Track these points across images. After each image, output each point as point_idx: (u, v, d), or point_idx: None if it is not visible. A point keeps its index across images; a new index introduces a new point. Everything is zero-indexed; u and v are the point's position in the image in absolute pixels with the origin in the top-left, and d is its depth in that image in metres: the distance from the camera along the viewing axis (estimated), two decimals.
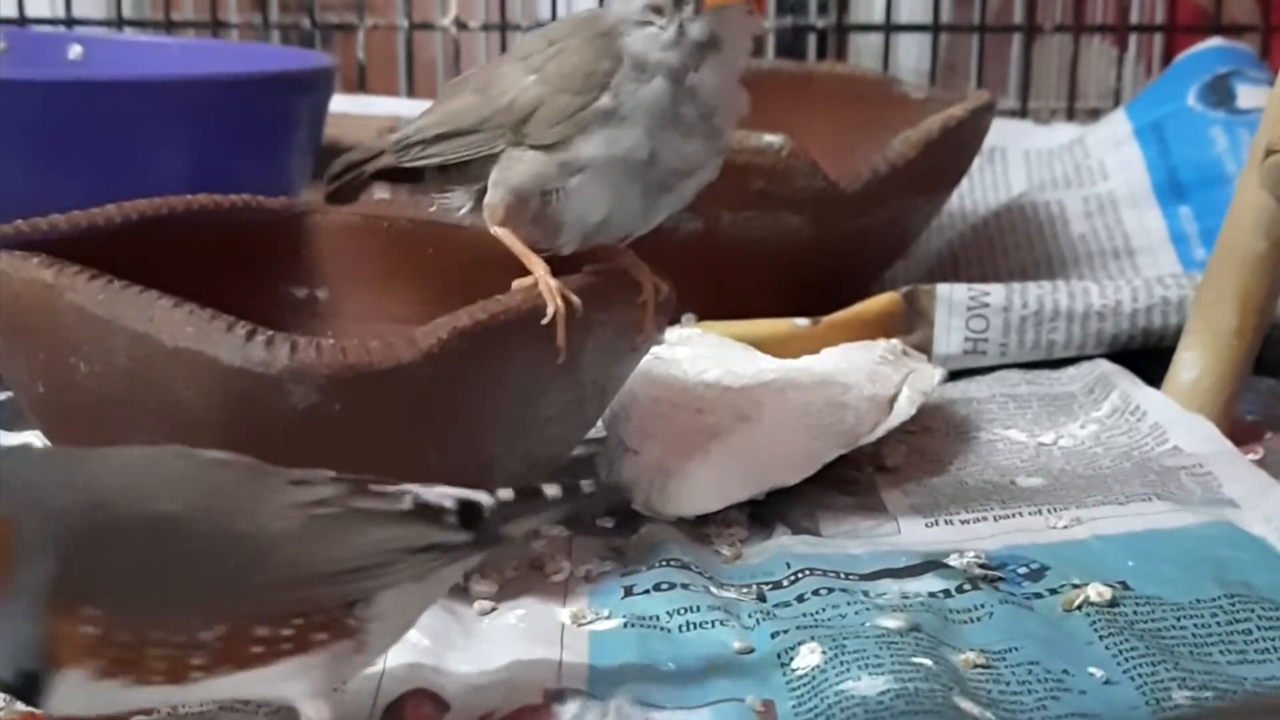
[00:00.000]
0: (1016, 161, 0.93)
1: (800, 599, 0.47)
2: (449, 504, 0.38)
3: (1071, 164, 0.89)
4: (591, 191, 0.48)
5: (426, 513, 0.38)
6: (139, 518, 0.35)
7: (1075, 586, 0.47)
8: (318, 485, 0.37)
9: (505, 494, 0.39)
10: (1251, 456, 0.59)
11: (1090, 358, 0.70)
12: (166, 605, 0.35)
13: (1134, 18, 1.08)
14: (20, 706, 0.38)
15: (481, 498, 0.38)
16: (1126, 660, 0.42)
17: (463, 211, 0.51)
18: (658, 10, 0.48)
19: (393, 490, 0.38)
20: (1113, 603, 0.46)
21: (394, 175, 0.53)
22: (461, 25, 1.06)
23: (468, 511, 0.38)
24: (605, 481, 0.41)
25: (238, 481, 0.37)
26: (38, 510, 0.34)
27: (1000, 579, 0.48)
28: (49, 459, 0.38)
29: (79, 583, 0.34)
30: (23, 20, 1.03)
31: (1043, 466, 0.58)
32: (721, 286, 0.71)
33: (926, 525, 0.53)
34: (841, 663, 0.42)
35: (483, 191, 0.50)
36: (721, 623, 0.45)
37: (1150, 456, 0.58)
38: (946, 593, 0.47)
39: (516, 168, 0.49)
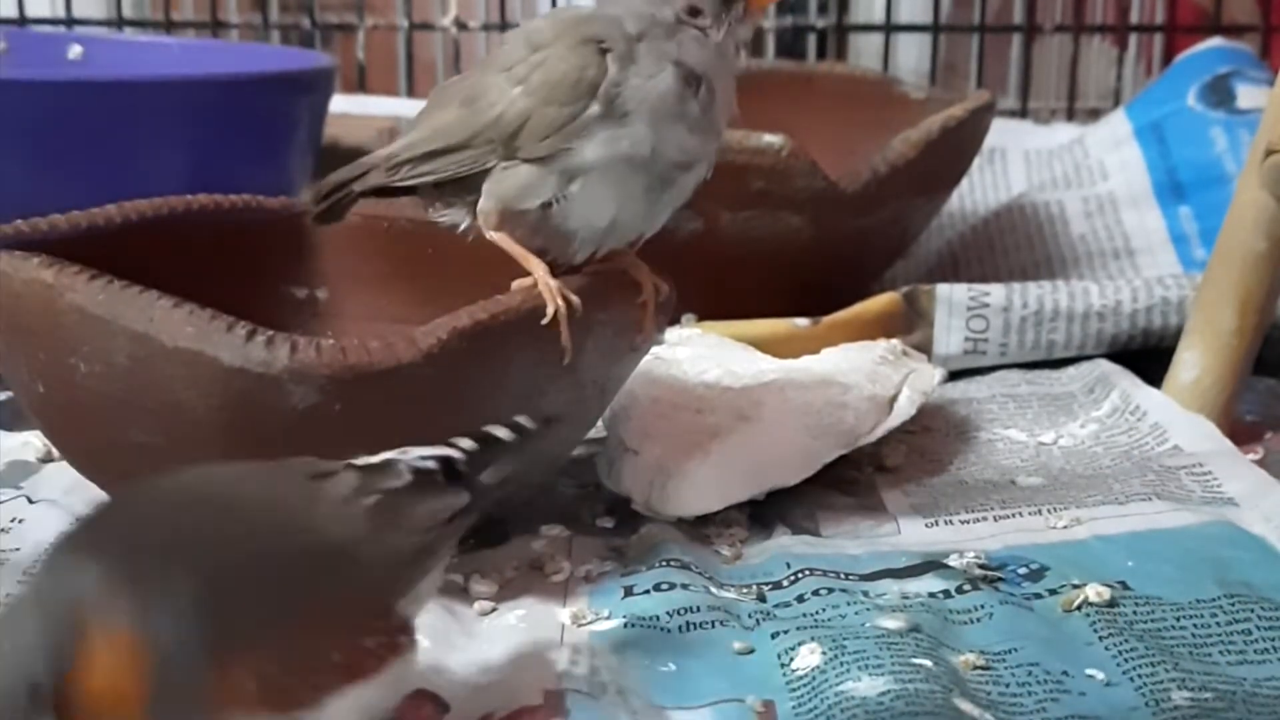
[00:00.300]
0: (1016, 162, 0.93)
1: (800, 599, 0.47)
2: (434, 465, 0.38)
3: (1071, 164, 0.89)
4: (595, 194, 0.48)
5: (426, 479, 0.38)
6: (246, 553, 0.34)
7: (1075, 587, 0.47)
8: (341, 474, 0.37)
9: (467, 444, 0.39)
10: (1251, 456, 0.59)
11: (1090, 358, 0.70)
12: (298, 631, 0.34)
13: (1134, 18, 1.08)
14: None
15: (451, 452, 0.39)
16: (1126, 661, 0.42)
17: (462, 227, 0.51)
18: (696, 12, 0.48)
19: (382, 462, 0.38)
20: (1112, 603, 0.46)
21: (384, 192, 0.52)
22: (461, 25, 1.06)
23: (446, 469, 0.38)
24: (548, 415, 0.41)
25: (290, 488, 0.36)
26: (151, 596, 0.32)
27: (1000, 579, 0.48)
28: (115, 524, 0.35)
29: (224, 639, 0.32)
30: (23, 20, 1.03)
31: (1043, 466, 0.58)
32: (721, 286, 0.71)
33: (926, 525, 0.53)
34: (841, 663, 0.42)
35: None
36: (721, 623, 0.45)
37: (1150, 456, 0.58)
38: (946, 593, 0.47)
39: (509, 181, 0.48)
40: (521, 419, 0.41)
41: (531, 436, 0.41)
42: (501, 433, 0.40)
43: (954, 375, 0.68)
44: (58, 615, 0.31)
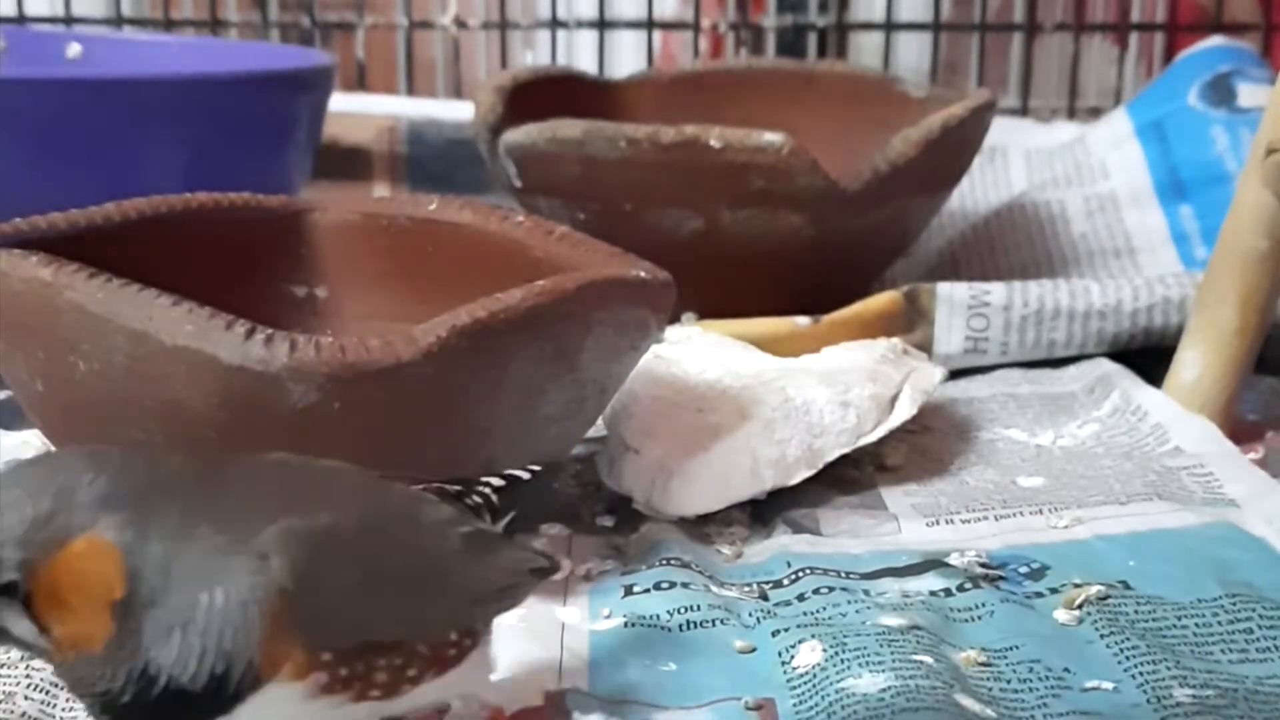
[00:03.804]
0: (1017, 160, 0.93)
1: (801, 598, 0.47)
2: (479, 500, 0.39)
3: (1072, 163, 0.89)
4: None
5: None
6: (348, 540, 0.34)
7: (1076, 586, 0.47)
8: (439, 502, 0.37)
9: (496, 481, 0.40)
10: (1252, 456, 0.59)
11: (1091, 357, 0.69)
12: (383, 624, 0.34)
13: (1135, 16, 1.08)
14: None
15: (488, 488, 0.39)
16: (1128, 659, 0.42)
17: None
18: None
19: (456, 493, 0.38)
20: (1114, 602, 0.46)
21: None
22: (461, 24, 1.06)
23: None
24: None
25: (397, 495, 0.37)
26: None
27: (1001, 578, 0.48)
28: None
29: (299, 611, 0.32)
30: (22, 19, 1.03)
31: (1043, 466, 0.58)
32: (722, 285, 0.71)
33: (927, 524, 0.53)
34: (842, 661, 0.42)
35: None
36: (722, 621, 0.45)
37: (1151, 456, 0.58)
38: (947, 591, 0.47)
39: None
40: (535, 466, 0.41)
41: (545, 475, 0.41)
42: (520, 473, 0.41)
43: (955, 374, 0.68)
44: (47, 506, 0.31)
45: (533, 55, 1.14)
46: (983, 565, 0.49)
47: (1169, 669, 0.41)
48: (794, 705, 0.40)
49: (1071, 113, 1.04)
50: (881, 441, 0.57)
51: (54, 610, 0.31)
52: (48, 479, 0.32)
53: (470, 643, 0.36)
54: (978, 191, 0.92)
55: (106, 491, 0.32)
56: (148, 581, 0.31)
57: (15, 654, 0.42)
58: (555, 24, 1.05)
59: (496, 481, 0.40)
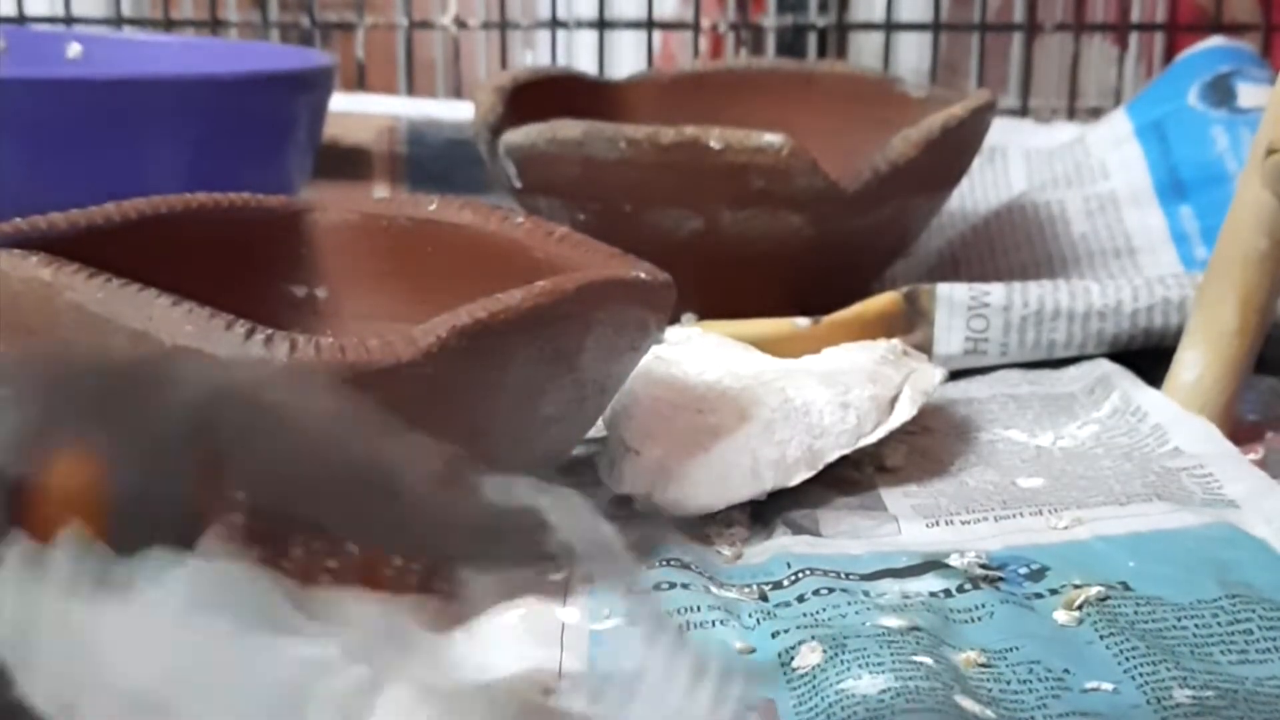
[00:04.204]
0: (1017, 161, 0.93)
1: (801, 599, 0.47)
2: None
3: (1072, 163, 0.89)
4: None
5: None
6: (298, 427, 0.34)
7: (1076, 587, 0.47)
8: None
9: None
10: (1252, 456, 0.59)
11: (1091, 357, 0.69)
12: (315, 506, 0.34)
13: (1135, 16, 1.08)
14: None
15: None
16: (1128, 660, 0.42)
17: None
18: None
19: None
20: (1114, 603, 0.46)
21: None
22: (461, 24, 1.06)
23: None
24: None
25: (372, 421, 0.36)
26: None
27: (1001, 579, 0.48)
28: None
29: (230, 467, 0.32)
30: (22, 19, 1.03)
31: (1043, 467, 0.58)
32: (721, 286, 0.71)
33: (927, 525, 0.53)
34: (842, 662, 0.42)
35: None
36: (722, 622, 0.45)
37: (1151, 457, 0.58)
38: (947, 592, 0.47)
39: None
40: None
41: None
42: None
43: (954, 375, 0.68)
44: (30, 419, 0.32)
45: (533, 55, 1.14)
46: (982, 566, 0.49)
47: (1169, 670, 0.41)
48: (794, 706, 0.40)
49: (1071, 113, 1.04)
50: (881, 442, 0.57)
51: None
52: None
53: (422, 580, 0.35)
54: (977, 192, 0.92)
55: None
56: None
57: None
58: (555, 24, 1.05)
59: None
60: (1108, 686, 0.41)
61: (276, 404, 0.34)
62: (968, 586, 0.47)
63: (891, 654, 0.42)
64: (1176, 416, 0.61)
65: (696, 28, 1.05)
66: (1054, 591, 0.47)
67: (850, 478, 0.57)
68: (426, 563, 0.35)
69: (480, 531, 0.36)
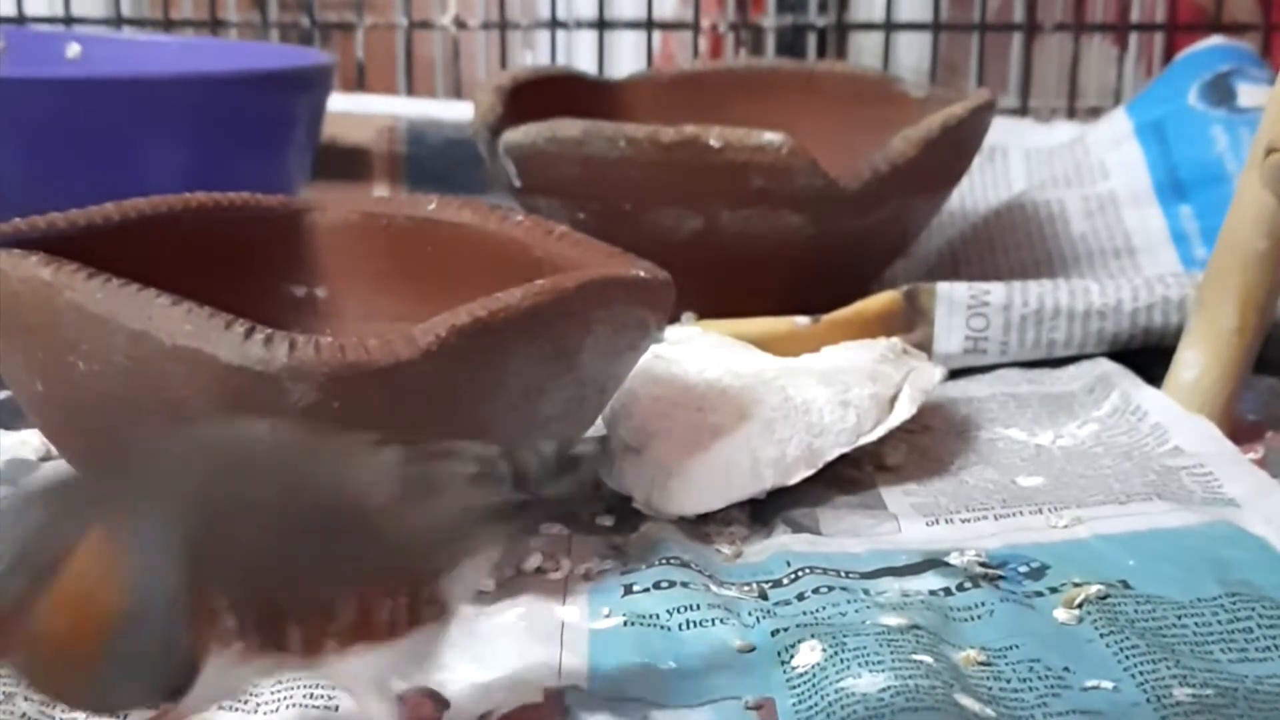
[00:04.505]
0: (1017, 160, 0.93)
1: (800, 597, 0.47)
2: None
3: (1072, 163, 0.89)
4: None
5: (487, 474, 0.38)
6: (256, 495, 0.34)
7: (1076, 585, 0.47)
8: (382, 449, 0.36)
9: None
10: (1252, 456, 0.59)
11: (1091, 356, 0.69)
12: (300, 579, 0.33)
13: (1134, 16, 1.08)
14: None
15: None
16: (1127, 658, 0.42)
17: None
18: None
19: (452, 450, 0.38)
20: (1113, 601, 0.46)
21: None
22: (461, 24, 1.06)
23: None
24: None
25: (325, 447, 0.36)
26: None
27: (1001, 577, 0.48)
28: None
29: (209, 577, 0.32)
30: (21, 19, 1.03)
31: (1043, 465, 0.58)
32: (721, 285, 0.71)
33: (927, 524, 0.53)
34: (842, 660, 0.42)
35: None
36: (722, 621, 0.45)
37: (1151, 456, 0.58)
38: (947, 591, 0.47)
39: None
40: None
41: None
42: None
43: (954, 374, 0.68)
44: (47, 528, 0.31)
45: (532, 55, 1.14)
46: (982, 565, 0.49)
47: (1169, 668, 0.41)
48: (793, 705, 0.40)
49: (1071, 112, 1.04)
50: (881, 441, 0.57)
51: None
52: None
53: (412, 611, 0.35)
54: (977, 191, 0.92)
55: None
56: None
57: None
58: (555, 24, 1.05)
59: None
60: (1107, 685, 0.41)
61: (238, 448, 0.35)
62: (968, 585, 0.47)
63: (891, 652, 0.42)
64: (1176, 416, 0.61)
65: (696, 28, 1.05)
66: (1054, 590, 0.47)
67: (850, 476, 0.57)
68: (410, 591, 0.35)
69: (448, 533, 0.36)
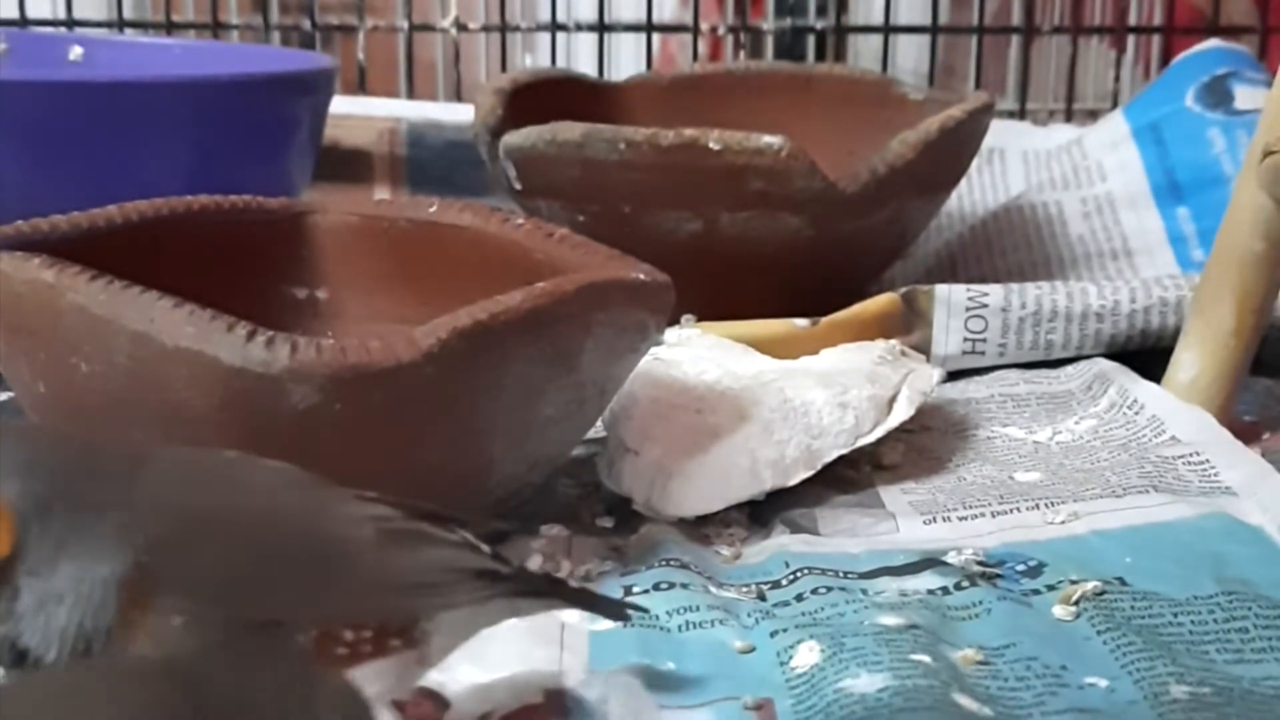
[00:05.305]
0: (1015, 162, 0.93)
1: (799, 598, 0.47)
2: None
3: (1070, 165, 0.89)
4: None
5: (471, 544, 0.38)
6: (229, 512, 0.34)
7: (1073, 582, 0.47)
8: (376, 503, 0.37)
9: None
10: None
11: (1089, 358, 0.70)
12: (260, 603, 0.34)
13: (1132, 19, 1.08)
14: None
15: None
16: (1124, 655, 0.42)
17: None
18: None
19: (436, 519, 0.38)
20: (1110, 598, 0.46)
21: None
22: (462, 27, 1.06)
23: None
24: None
25: (311, 486, 0.36)
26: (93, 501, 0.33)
27: (998, 576, 0.48)
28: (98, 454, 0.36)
29: (161, 576, 0.32)
30: (23, 21, 1.03)
31: (1041, 461, 0.58)
32: (720, 287, 0.71)
33: (924, 522, 0.53)
34: (840, 660, 0.42)
35: None
36: (721, 622, 0.45)
37: (1148, 447, 0.58)
38: (945, 590, 0.47)
39: None
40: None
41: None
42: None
43: (953, 375, 0.69)
44: None
45: (532, 58, 1.14)
46: (980, 563, 0.49)
47: (1165, 666, 0.41)
48: (792, 705, 0.41)
49: (1069, 115, 1.04)
50: (879, 441, 0.58)
51: None
52: None
53: (396, 641, 0.35)
54: (975, 193, 0.92)
55: (24, 461, 0.33)
56: (35, 551, 0.32)
57: None
58: (555, 27, 1.05)
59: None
60: (1104, 682, 0.41)
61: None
62: (965, 584, 0.47)
63: (889, 652, 0.42)
64: (1173, 407, 0.61)
65: (696, 30, 1.05)
66: (1051, 587, 0.47)
67: (848, 476, 0.57)
68: (381, 627, 0.35)
69: (424, 583, 0.37)
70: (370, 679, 0.35)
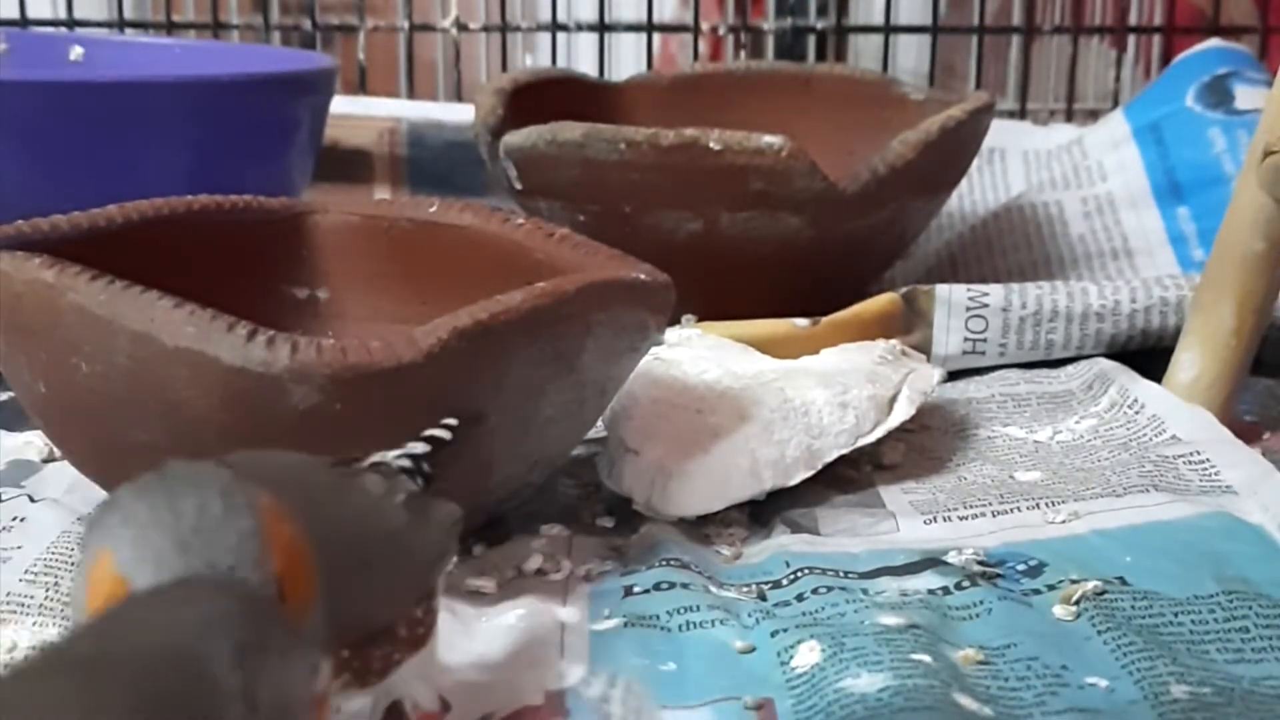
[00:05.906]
0: (1015, 162, 0.93)
1: (800, 598, 0.47)
2: (409, 464, 0.39)
3: (1070, 165, 0.89)
4: None
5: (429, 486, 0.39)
6: (342, 531, 0.33)
7: (1073, 582, 0.47)
8: (367, 474, 0.37)
9: (420, 447, 0.40)
10: None
11: (1089, 358, 0.70)
12: (379, 611, 0.34)
13: (1133, 19, 1.08)
14: None
15: (416, 450, 0.40)
16: (1125, 655, 0.42)
17: None
18: None
19: (380, 464, 0.38)
20: (1110, 598, 0.46)
21: None
22: (462, 27, 1.06)
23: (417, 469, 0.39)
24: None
25: (350, 479, 0.37)
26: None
27: (999, 575, 0.48)
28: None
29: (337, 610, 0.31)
30: (24, 22, 1.03)
31: (1041, 460, 0.58)
32: (721, 287, 0.71)
33: (925, 521, 0.53)
34: (841, 660, 0.42)
35: None
36: (721, 622, 0.45)
37: (1148, 446, 0.58)
38: (945, 590, 0.47)
39: None
40: (450, 421, 0.42)
41: (464, 435, 0.42)
42: (441, 432, 0.41)
43: (953, 375, 0.69)
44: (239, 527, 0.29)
45: (533, 58, 1.14)
46: (980, 563, 0.49)
47: (1165, 666, 0.41)
48: (793, 705, 0.41)
49: (1069, 115, 1.04)
50: (880, 440, 0.58)
51: None
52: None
53: (431, 618, 0.36)
54: (976, 193, 0.92)
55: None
56: None
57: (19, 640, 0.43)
58: (555, 26, 1.05)
59: (418, 448, 0.40)
60: (1105, 682, 0.41)
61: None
62: (965, 583, 0.47)
63: (890, 652, 0.42)
64: (1174, 406, 0.61)
65: (696, 30, 1.05)
66: (1051, 587, 0.47)
67: (848, 476, 0.57)
68: (423, 603, 0.36)
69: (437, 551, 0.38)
70: (428, 659, 0.36)
